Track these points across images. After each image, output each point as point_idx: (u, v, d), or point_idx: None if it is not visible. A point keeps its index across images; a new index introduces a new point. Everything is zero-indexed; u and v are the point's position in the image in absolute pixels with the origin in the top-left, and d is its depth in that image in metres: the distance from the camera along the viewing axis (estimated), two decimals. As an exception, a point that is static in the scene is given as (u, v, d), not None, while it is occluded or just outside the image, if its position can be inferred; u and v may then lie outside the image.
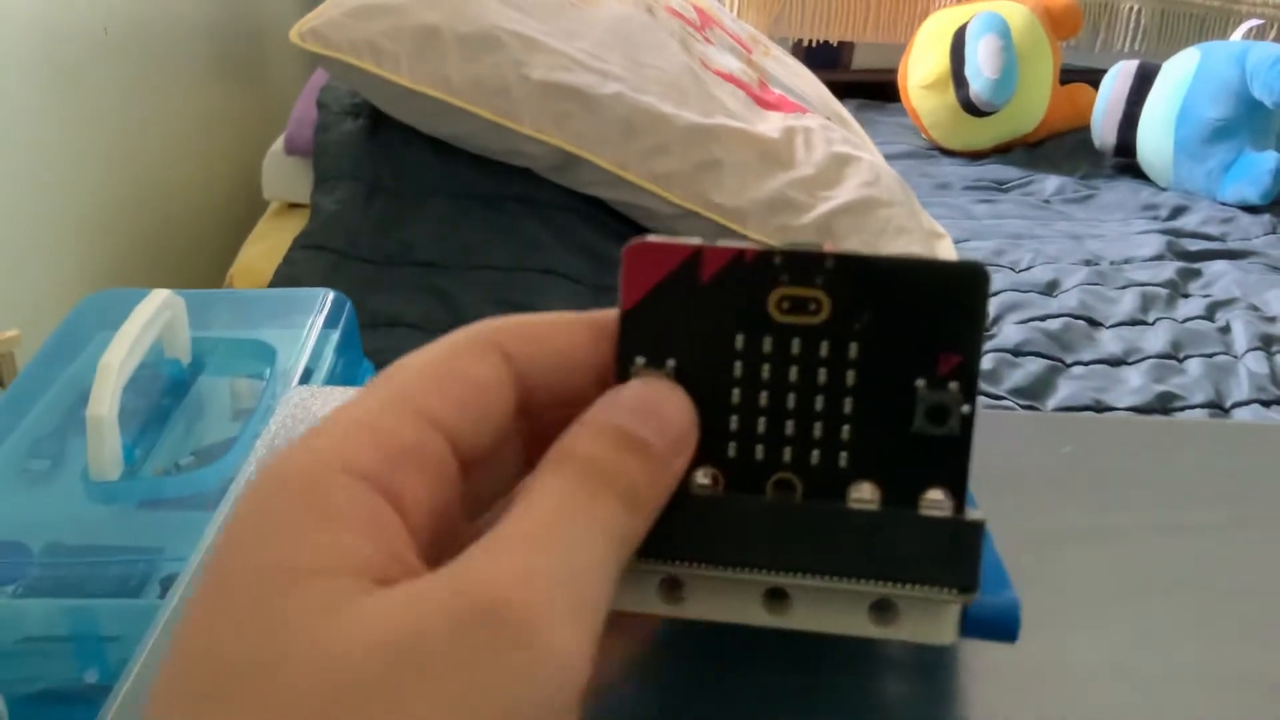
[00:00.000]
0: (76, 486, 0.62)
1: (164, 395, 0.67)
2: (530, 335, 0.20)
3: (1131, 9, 2.09)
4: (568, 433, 0.18)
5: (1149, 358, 1.07)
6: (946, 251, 1.24)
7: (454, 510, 0.18)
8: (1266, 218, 1.49)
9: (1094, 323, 1.15)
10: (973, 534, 0.20)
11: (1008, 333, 1.11)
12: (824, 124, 1.28)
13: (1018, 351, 1.07)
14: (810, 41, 2.16)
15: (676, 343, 0.21)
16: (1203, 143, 1.56)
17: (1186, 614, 0.26)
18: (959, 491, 0.20)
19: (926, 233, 1.24)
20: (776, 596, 0.21)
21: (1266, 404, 1.00)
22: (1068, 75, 1.85)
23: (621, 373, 0.20)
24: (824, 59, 2.16)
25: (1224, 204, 1.54)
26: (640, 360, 0.21)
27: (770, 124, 1.20)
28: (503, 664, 0.15)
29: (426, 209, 1.12)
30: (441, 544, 0.18)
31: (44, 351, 0.69)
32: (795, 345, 0.20)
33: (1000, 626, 0.22)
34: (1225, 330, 1.13)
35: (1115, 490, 0.30)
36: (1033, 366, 1.05)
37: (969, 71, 1.70)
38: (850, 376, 0.20)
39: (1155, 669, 0.24)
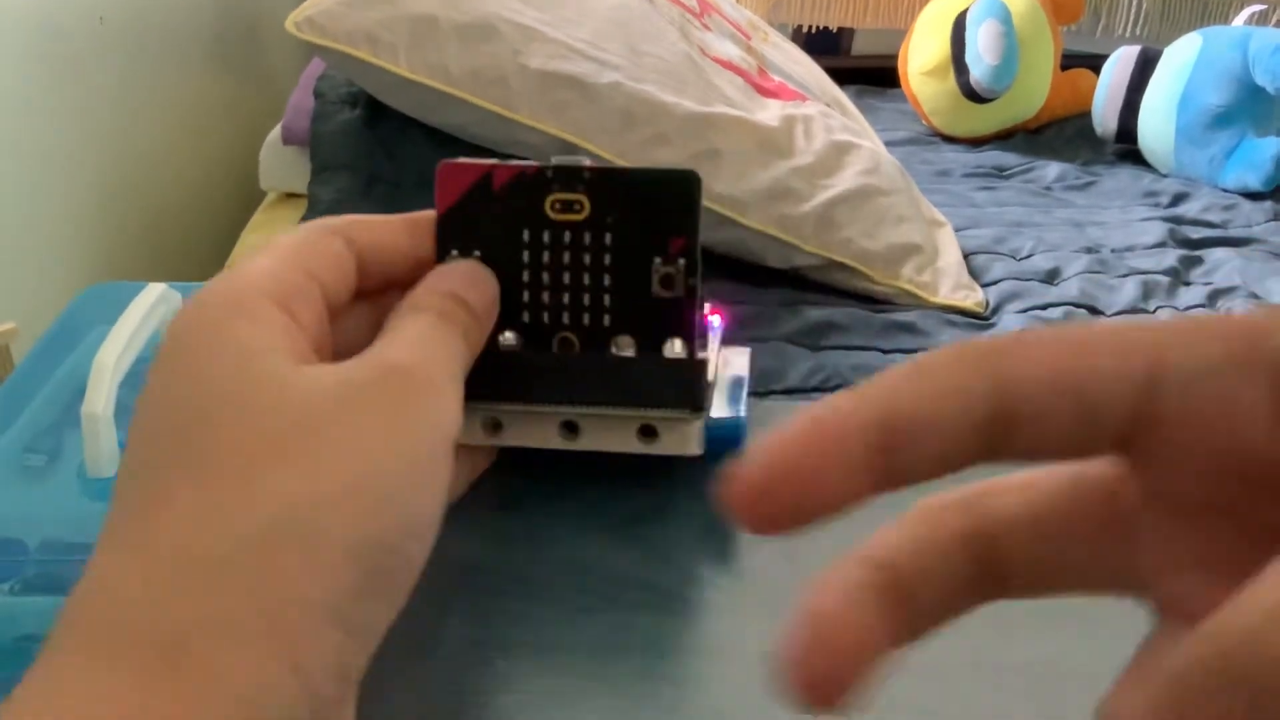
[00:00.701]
0: (73, 483, 0.61)
1: (160, 390, 0.67)
2: (363, 226, 0.26)
3: (1133, -6, 2.08)
4: (414, 293, 0.25)
5: (1150, 346, 1.07)
6: (947, 240, 1.24)
7: (327, 347, 0.24)
8: (1268, 204, 1.48)
9: (1095, 311, 1.14)
10: (698, 369, 0.27)
11: (1007, 322, 1.10)
12: (824, 111, 1.27)
13: (1018, 341, 1.07)
14: (810, 27, 2.15)
15: (480, 238, 0.27)
16: (1204, 129, 1.55)
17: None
18: (690, 339, 0.27)
19: (927, 220, 1.23)
20: (570, 428, 0.28)
21: (1268, 393, 0.99)
22: (1069, 61, 1.84)
23: (441, 262, 0.27)
24: (823, 45, 2.14)
25: (1226, 191, 1.53)
26: (454, 252, 0.27)
27: (770, 112, 1.20)
28: (415, 405, 0.22)
29: (425, 199, 1.10)
30: None
31: (40, 346, 0.68)
32: (566, 237, 0.27)
33: (728, 441, 0.30)
34: (1226, 318, 1.13)
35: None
36: (1033, 356, 1.04)
37: (969, 57, 1.69)
38: (607, 258, 0.27)
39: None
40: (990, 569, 0.18)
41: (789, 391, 0.95)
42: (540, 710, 0.23)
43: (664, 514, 0.30)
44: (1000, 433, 0.16)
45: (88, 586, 0.19)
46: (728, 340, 0.33)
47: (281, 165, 1.24)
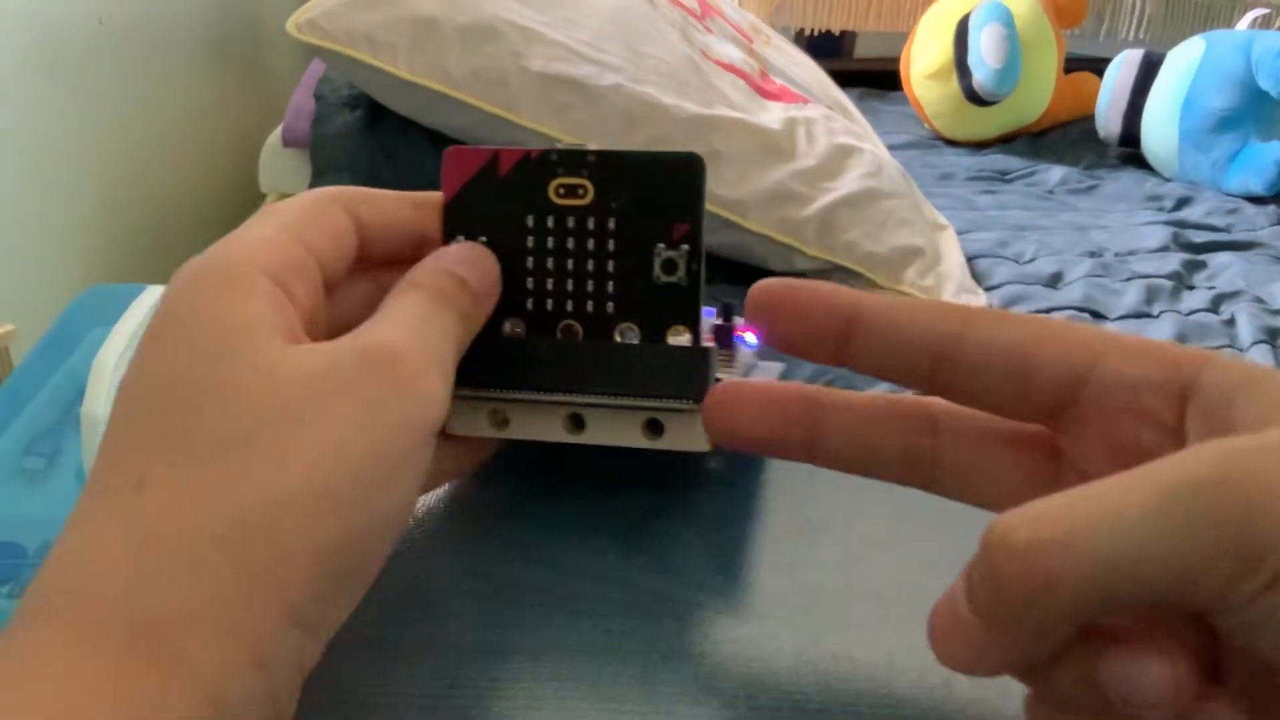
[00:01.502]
0: (71, 485, 0.61)
1: (159, 392, 0.66)
2: (365, 198, 0.26)
3: (1136, -3, 2.08)
4: (413, 270, 0.25)
5: (1154, 350, 1.06)
6: (950, 243, 1.23)
7: (320, 321, 0.24)
8: (1272, 209, 1.47)
9: (1098, 315, 1.14)
10: (703, 357, 0.26)
11: (1011, 325, 1.10)
12: (826, 114, 1.27)
13: (1021, 344, 1.06)
14: (812, 31, 2.14)
15: (484, 223, 0.27)
16: (1208, 133, 1.55)
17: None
18: (694, 327, 0.27)
19: (929, 224, 1.23)
20: (575, 421, 0.27)
21: (1272, 397, 0.99)
22: (1072, 64, 1.84)
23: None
24: (826, 48, 2.14)
25: (1229, 195, 1.53)
26: (460, 238, 0.27)
27: (771, 115, 1.19)
28: (396, 390, 0.21)
29: (425, 202, 1.11)
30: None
31: (38, 348, 0.68)
32: (570, 222, 0.27)
33: None
34: (1230, 323, 1.13)
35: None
36: (1036, 359, 1.03)
37: (972, 61, 1.69)
38: (611, 244, 0.26)
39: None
40: (922, 448, 0.23)
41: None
42: (536, 712, 0.23)
43: (666, 517, 0.30)
44: (947, 369, 0.21)
45: (63, 556, 0.19)
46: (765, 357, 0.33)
47: (282, 167, 1.23)
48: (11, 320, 0.83)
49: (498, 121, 1.05)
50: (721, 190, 1.08)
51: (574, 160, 0.26)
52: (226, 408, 0.20)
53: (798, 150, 1.15)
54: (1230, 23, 1.99)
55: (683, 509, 0.30)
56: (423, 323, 0.23)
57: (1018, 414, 0.22)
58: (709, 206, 1.08)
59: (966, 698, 0.24)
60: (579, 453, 0.30)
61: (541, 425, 0.27)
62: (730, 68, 1.26)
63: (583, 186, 0.26)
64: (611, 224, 0.27)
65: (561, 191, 0.26)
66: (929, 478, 0.23)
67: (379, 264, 0.26)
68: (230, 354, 0.21)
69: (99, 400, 0.58)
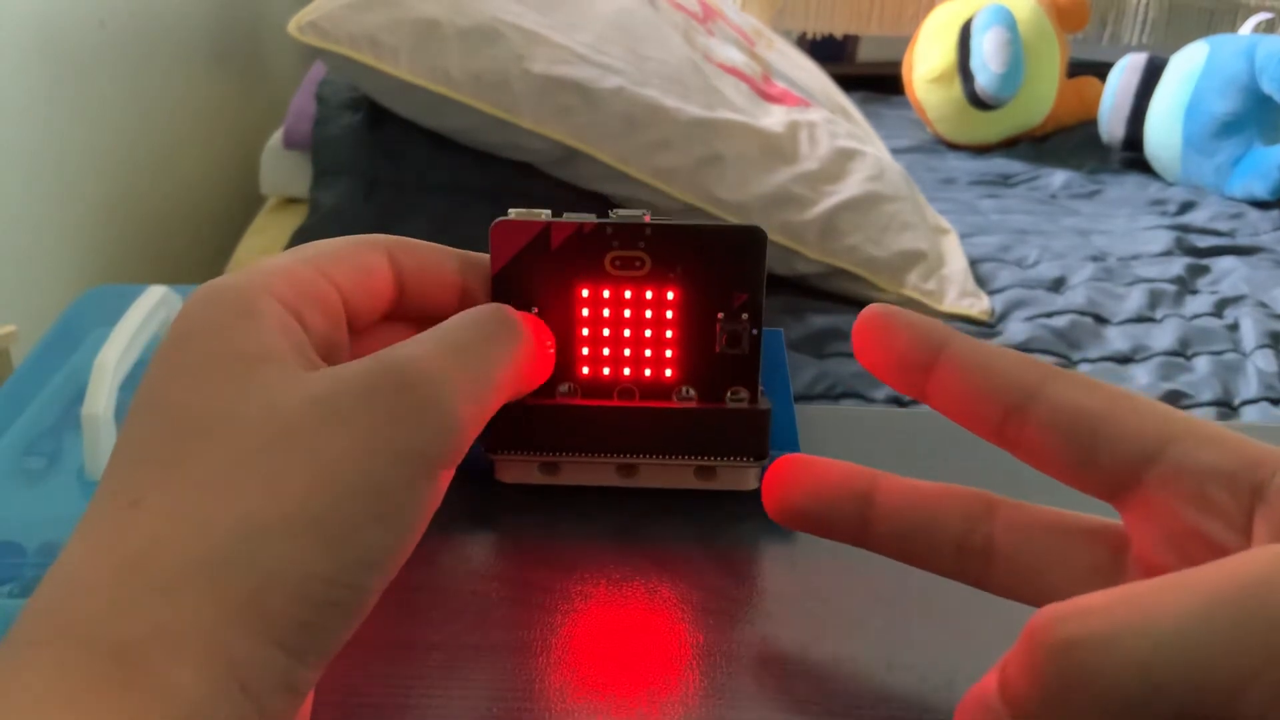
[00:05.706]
0: (72, 485, 0.61)
1: (160, 393, 0.66)
2: (408, 245, 0.25)
3: (1140, 2, 2.08)
4: (473, 308, 0.24)
5: (1157, 355, 1.06)
6: (952, 247, 1.23)
7: (345, 355, 0.24)
8: (1275, 213, 1.47)
9: (1101, 320, 1.13)
10: (762, 418, 0.27)
11: (1013, 330, 1.10)
12: (828, 118, 1.27)
13: (1024, 349, 1.06)
14: (814, 35, 2.14)
15: (536, 294, 0.27)
16: (1211, 137, 1.54)
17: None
18: (752, 388, 0.27)
19: (932, 228, 1.23)
20: (627, 468, 0.29)
21: (1275, 402, 0.99)
22: (1075, 68, 1.84)
23: None
24: (828, 52, 2.14)
25: (1232, 199, 1.53)
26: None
27: (774, 118, 1.19)
28: (404, 417, 0.20)
29: (426, 204, 1.11)
30: None
31: (39, 348, 0.68)
32: (626, 293, 0.27)
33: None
34: (1234, 328, 1.12)
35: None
36: (1039, 363, 1.03)
37: (975, 65, 1.69)
38: (669, 313, 0.27)
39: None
40: (976, 537, 0.23)
41: (794, 399, 0.94)
42: (538, 712, 0.23)
43: (667, 518, 0.30)
44: (1016, 423, 0.21)
45: (54, 575, 0.19)
46: None
47: (283, 169, 1.23)
48: (12, 320, 0.83)
49: (499, 124, 1.05)
50: (722, 193, 1.08)
51: (630, 233, 0.26)
52: (227, 435, 0.20)
53: (800, 153, 1.15)
54: (1233, 27, 1.99)
55: (684, 510, 0.30)
56: (466, 347, 0.22)
57: (1081, 484, 0.21)
58: (709, 208, 1.08)
59: (968, 699, 0.23)
60: None
61: (592, 473, 0.28)
62: (732, 71, 1.26)
63: (640, 259, 0.26)
64: (669, 295, 0.27)
65: (617, 263, 0.27)
66: (982, 571, 0.23)
67: (422, 316, 0.26)
68: (236, 382, 0.21)
69: (99, 401, 0.58)
